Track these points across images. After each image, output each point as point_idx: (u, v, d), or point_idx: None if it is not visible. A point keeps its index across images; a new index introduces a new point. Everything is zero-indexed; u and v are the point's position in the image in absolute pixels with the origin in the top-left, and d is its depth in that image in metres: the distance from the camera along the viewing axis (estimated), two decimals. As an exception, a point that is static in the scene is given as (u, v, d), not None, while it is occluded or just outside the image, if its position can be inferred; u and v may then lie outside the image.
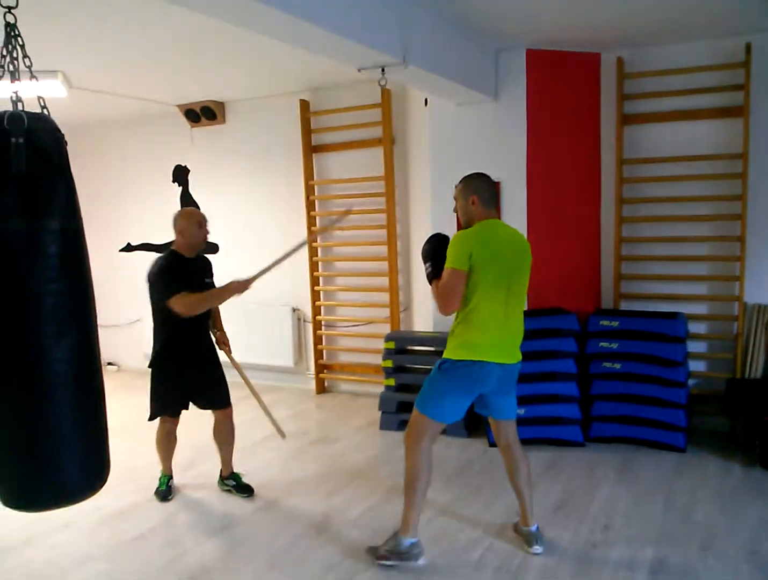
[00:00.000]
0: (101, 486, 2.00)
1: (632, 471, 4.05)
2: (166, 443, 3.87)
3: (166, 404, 3.72)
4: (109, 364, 7.32)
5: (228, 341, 3.94)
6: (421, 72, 3.82)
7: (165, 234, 6.91)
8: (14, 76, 1.87)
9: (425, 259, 2.96)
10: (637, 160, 4.77)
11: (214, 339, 3.86)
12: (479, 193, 2.88)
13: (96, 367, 1.97)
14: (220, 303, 3.62)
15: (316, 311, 6.05)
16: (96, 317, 1.98)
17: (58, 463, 1.87)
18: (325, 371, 6.15)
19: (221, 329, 3.94)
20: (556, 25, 4.22)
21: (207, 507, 3.77)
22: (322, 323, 6.09)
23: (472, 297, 2.79)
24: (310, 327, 6.14)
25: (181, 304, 3.42)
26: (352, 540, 3.24)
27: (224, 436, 3.87)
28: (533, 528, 3.18)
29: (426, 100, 5.07)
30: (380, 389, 5.16)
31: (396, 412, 4.90)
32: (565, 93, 4.78)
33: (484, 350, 2.83)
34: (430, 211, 5.11)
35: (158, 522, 3.59)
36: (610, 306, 4.90)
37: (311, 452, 4.63)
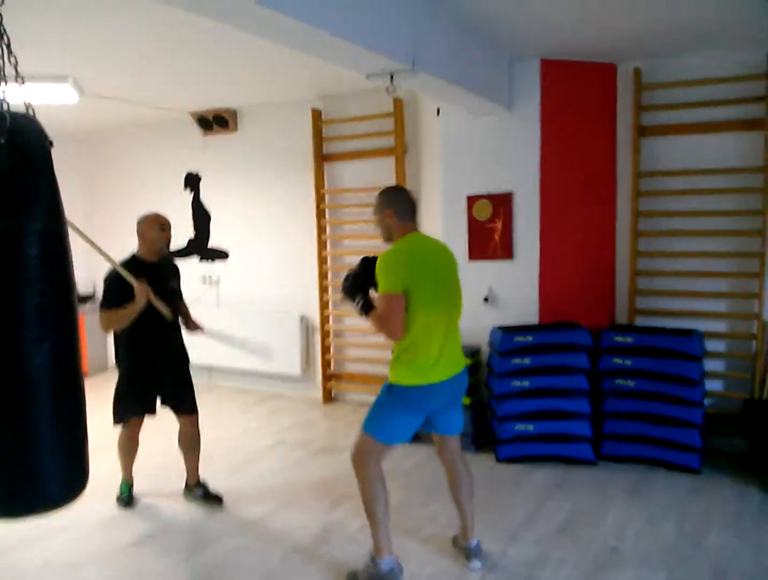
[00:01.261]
0: (81, 493, 1.93)
1: (644, 492, 3.92)
2: (128, 447, 3.78)
3: (130, 405, 3.64)
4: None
5: (199, 323, 3.83)
6: (430, 79, 3.73)
7: (175, 241, 6.94)
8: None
9: (351, 294, 2.89)
10: (655, 172, 4.64)
11: (183, 337, 3.78)
12: (395, 205, 2.86)
13: (76, 371, 1.91)
14: (133, 315, 3.39)
15: (324, 319, 5.97)
16: (77, 321, 1.93)
17: (37, 470, 1.80)
18: (332, 380, 6.06)
19: (188, 316, 3.83)
20: (572, 35, 4.12)
21: (203, 515, 3.71)
22: (331, 331, 6.02)
23: (414, 320, 2.74)
24: (318, 335, 6.06)
25: (101, 320, 3.45)
26: (350, 555, 3.15)
27: (189, 443, 3.81)
28: (473, 543, 3.13)
29: (438, 110, 5.00)
30: (387, 402, 5.06)
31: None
32: (580, 104, 4.68)
33: (433, 372, 2.80)
34: (441, 222, 5.04)
35: (153, 529, 3.54)
36: (624, 321, 4.78)
37: (315, 462, 4.55)
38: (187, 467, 3.85)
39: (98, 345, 7.22)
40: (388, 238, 2.91)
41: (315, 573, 3.05)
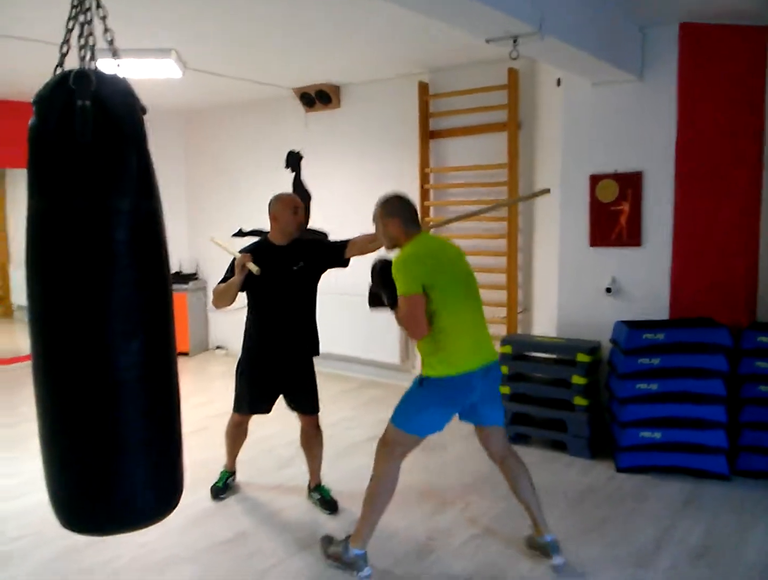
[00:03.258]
0: (171, 510, 1.72)
1: (793, 516, 3.41)
2: (234, 435, 3.60)
3: (242, 401, 3.48)
4: (218, 347, 7.28)
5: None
6: (557, 44, 3.33)
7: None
8: (87, 29, 1.61)
9: (379, 302, 2.92)
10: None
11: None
12: (401, 214, 2.87)
13: (170, 373, 1.69)
14: (233, 289, 3.23)
15: (426, 307, 5.67)
16: (172, 313, 1.70)
17: (124, 485, 1.60)
18: (433, 371, 5.75)
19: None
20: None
21: (300, 513, 3.51)
22: (433, 320, 5.70)
23: (437, 314, 2.74)
24: (419, 324, 5.76)
25: (213, 294, 3.36)
26: (452, 574, 2.85)
27: (309, 444, 3.57)
28: (548, 538, 2.95)
29: (558, 80, 4.55)
30: (493, 397, 4.72)
31: (510, 423, 4.43)
32: (723, 73, 4.12)
33: (465, 361, 2.77)
34: (558, 205, 4.61)
35: (248, 525, 3.37)
36: (768, 319, 4.23)
37: (416, 460, 4.23)
38: (309, 468, 3.63)
39: (200, 325, 7.24)
40: (394, 246, 2.91)
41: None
